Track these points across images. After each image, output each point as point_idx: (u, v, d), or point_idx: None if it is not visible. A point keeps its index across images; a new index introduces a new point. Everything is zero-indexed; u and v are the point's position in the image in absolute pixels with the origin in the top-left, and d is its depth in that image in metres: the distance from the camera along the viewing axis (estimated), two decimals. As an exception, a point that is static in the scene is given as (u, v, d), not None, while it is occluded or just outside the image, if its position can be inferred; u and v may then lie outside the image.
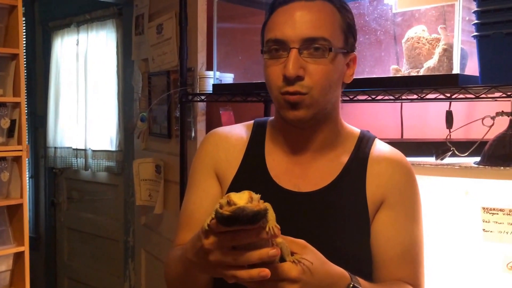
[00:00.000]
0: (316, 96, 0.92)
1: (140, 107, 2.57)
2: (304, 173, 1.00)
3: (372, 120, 1.85)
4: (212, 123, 2.14)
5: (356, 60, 1.01)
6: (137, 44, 2.64)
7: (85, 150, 3.31)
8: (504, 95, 1.14)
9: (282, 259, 0.76)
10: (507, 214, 1.12)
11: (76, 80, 3.36)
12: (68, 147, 3.45)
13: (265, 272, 0.71)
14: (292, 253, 0.77)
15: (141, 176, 2.44)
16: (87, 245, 3.49)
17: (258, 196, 0.71)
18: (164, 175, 2.33)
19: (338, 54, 0.94)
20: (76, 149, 3.38)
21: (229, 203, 0.68)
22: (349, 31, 0.97)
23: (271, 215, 0.71)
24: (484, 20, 1.10)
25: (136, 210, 2.83)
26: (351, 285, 0.81)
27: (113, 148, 3.18)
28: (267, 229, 0.70)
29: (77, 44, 3.33)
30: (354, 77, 1.01)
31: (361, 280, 0.84)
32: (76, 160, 3.40)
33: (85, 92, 3.29)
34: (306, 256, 0.77)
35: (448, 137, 1.39)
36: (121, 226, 3.25)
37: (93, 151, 3.27)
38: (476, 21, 1.12)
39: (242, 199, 0.68)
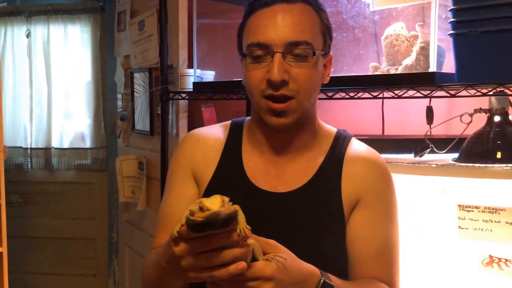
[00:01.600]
0: (302, 100, 0.92)
1: (123, 104, 2.55)
2: (281, 174, 1.00)
3: (354, 116, 1.85)
4: (194, 120, 2.12)
5: (331, 61, 1.01)
6: (119, 41, 2.61)
7: (47, 148, 3.12)
8: (480, 93, 1.14)
9: (255, 260, 0.76)
10: (482, 212, 1.13)
11: (28, 75, 3.12)
12: (15, 147, 3.17)
13: (242, 264, 0.72)
14: (264, 253, 0.77)
15: (124, 173, 2.43)
16: (40, 251, 3.25)
17: (227, 199, 0.71)
18: (146, 172, 2.31)
19: (319, 56, 0.94)
20: (30, 148, 3.17)
21: (201, 209, 0.68)
22: (327, 33, 0.98)
23: (241, 216, 0.72)
24: (460, 18, 1.10)
25: (119, 206, 2.82)
26: (322, 281, 0.81)
27: (87, 146, 3.11)
28: (238, 231, 0.71)
29: (28, 36, 3.09)
30: (334, 74, 1.02)
31: (332, 277, 0.84)
32: (28, 160, 3.17)
33: (48, 89, 3.10)
34: (280, 255, 0.77)
35: (429, 133, 1.39)
36: (97, 224, 3.19)
37: (60, 149, 3.12)
38: (452, 19, 1.12)
39: (215, 203, 0.69)
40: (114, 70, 2.77)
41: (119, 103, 2.63)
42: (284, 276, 0.76)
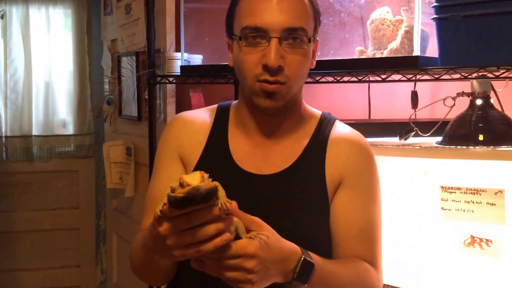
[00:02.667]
0: (291, 85, 0.94)
1: (110, 88, 2.53)
2: (266, 156, 1.01)
3: (340, 101, 1.87)
4: (182, 105, 2.12)
5: (317, 46, 1.02)
6: (106, 24, 2.59)
7: (26, 136, 3.00)
8: (461, 76, 1.16)
9: (238, 238, 0.77)
10: (464, 193, 1.15)
11: (3, 59, 2.97)
12: None
13: (227, 235, 0.73)
14: (249, 231, 0.79)
15: (111, 159, 2.42)
16: (16, 246, 3.07)
17: (207, 175, 0.72)
18: (135, 157, 2.31)
19: (311, 43, 0.95)
20: (5, 137, 3.00)
21: (181, 185, 0.69)
22: (318, 19, 0.99)
23: (221, 191, 0.73)
24: (442, 2, 1.12)
25: (107, 193, 2.81)
26: (302, 258, 0.83)
27: (71, 132, 3.06)
28: (219, 205, 0.72)
29: (3, 17, 2.96)
30: (320, 58, 1.03)
31: (313, 255, 0.86)
32: (3, 149, 3.01)
33: (27, 74, 2.97)
34: (262, 233, 0.78)
35: (414, 116, 1.41)
36: (81, 213, 3.14)
37: (42, 136, 3.02)
38: (435, 4, 1.13)
39: (195, 179, 0.70)
40: (99, 54, 2.74)
41: (106, 87, 2.61)
42: (267, 254, 0.77)
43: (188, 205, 0.70)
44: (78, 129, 3.09)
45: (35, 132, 3.04)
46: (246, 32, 0.93)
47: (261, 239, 0.77)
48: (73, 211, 3.15)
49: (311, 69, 1.03)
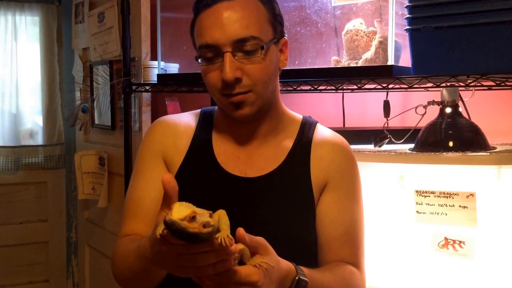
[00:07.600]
0: (259, 91, 0.95)
1: (81, 96, 2.50)
2: (250, 159, 1.02)
3: (315, 110, 1.91)
4: (158, 114, 2.11)
5: (287, 44, 1.03)
6: (77, 33, 2.56)
7: None
8: (433, 85, 1.21)
9: (242, 263, 0.77)
10: (438, 196, 1.20)
11: None
12: None
13: (229, 262, 0.72)
14: (253, 254, 0.78)
15: (83, 169, 2.38)
16: None
17: (206, 216, 0.67)
18: (108, 167, 2.28)
19: (270, 47, 0.96)
20: None
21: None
22: (276, 20, 0.99)
23: (225, 224, 0.70)
24: (415, 14, 1.17)
25: (79, 204, 2.75)
26: (297, 278, 0.84)
27: (40, 142, 3.00)
28: (219, 240, 0.69)
29: None
30: (297, 67, 1.05)
31: (305, 269, 0.87)
32: None
33: None
34: (266, 258, 0.78)
35: (386, 125, 1.46)
36: (50, 226, 3.06)
37: (9, 147, 2.94)
38: (408, 16, 1.19)
39: (180, 213, 0.65)
40: (70, 63, 2.70)
41: (77, 95, 2.57)
42: (268, 280, 0.78)
43: (178, 238, 0.67)
44: (47, 139, 3.02)
45: (1, 142, 2.96)
46: (202, 51, 0.95)
47: (265, 269, 0.77)
48: (41, 224, 3.07)
49: (288, 77, 1.05)
